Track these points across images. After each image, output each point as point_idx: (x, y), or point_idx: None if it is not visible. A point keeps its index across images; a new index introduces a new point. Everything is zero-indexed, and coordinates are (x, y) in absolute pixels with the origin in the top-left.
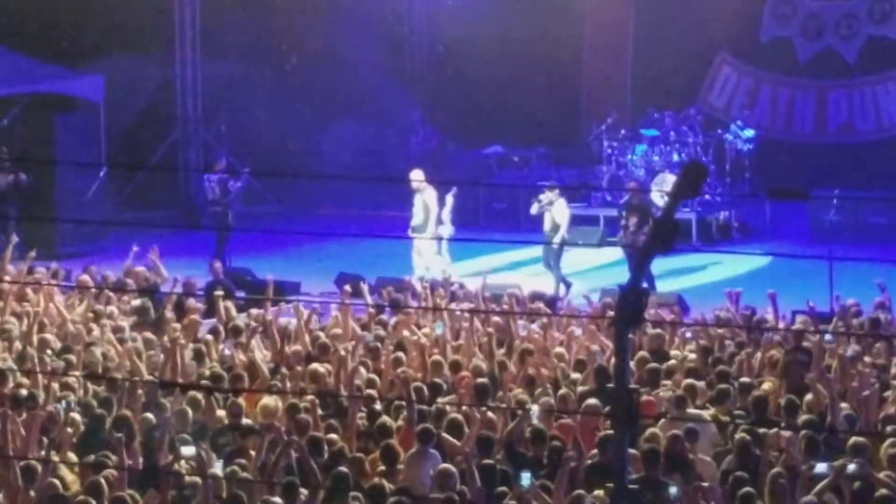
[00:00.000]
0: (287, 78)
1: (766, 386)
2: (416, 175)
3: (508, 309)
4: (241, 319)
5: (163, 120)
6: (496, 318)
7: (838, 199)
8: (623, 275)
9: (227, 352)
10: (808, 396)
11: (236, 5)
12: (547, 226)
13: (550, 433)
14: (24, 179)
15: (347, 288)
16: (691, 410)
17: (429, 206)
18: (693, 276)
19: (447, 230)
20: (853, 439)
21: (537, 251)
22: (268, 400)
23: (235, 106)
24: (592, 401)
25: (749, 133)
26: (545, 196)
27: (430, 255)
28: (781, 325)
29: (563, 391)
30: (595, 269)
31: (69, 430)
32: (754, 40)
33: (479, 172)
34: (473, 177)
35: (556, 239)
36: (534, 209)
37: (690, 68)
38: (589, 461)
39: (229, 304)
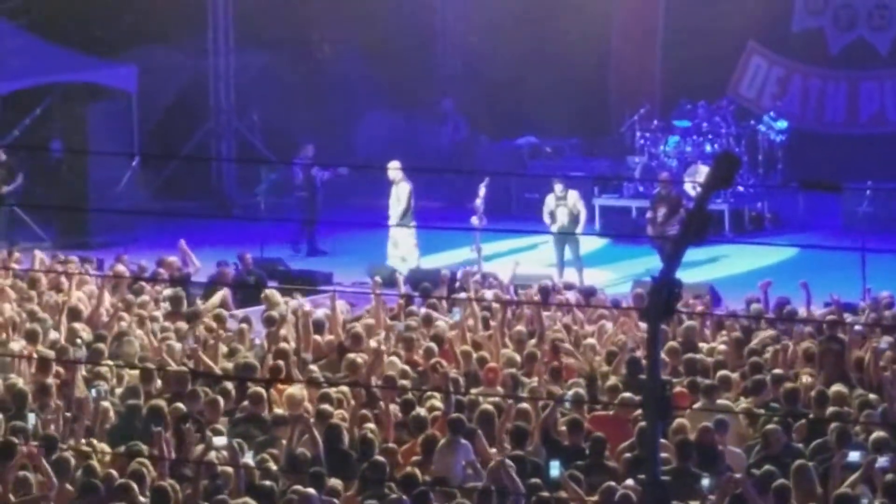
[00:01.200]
0: (319, 68)
1: (805, 379)
2: (394, 165)
3: (538, 300)
4: (276, 309)
5: (195, 110)
6: (526, 309)
7: (871, 190)
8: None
9: (257, 341)
10: (835, 388)
11: None
12: (564, 219)
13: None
14: (19, 183)
15: (378, 279)
16: (721, 401)
17: (401, 198)
18: (725, 267)
19: (480, 221)
20: (876, 434)
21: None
22: (293, 390)
23: (268, 96)
24: (626, 393)
25: (782, 124)
26: (553, 193)
27: (407, 247)
28: (814, 313)
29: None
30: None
31: (101, 417)
32: (785, 30)
33: (512, 163)
34: (506, 167)
35: (578, 230)
36: (546, 217)
37: (720, 58)
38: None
39: (273, 292)
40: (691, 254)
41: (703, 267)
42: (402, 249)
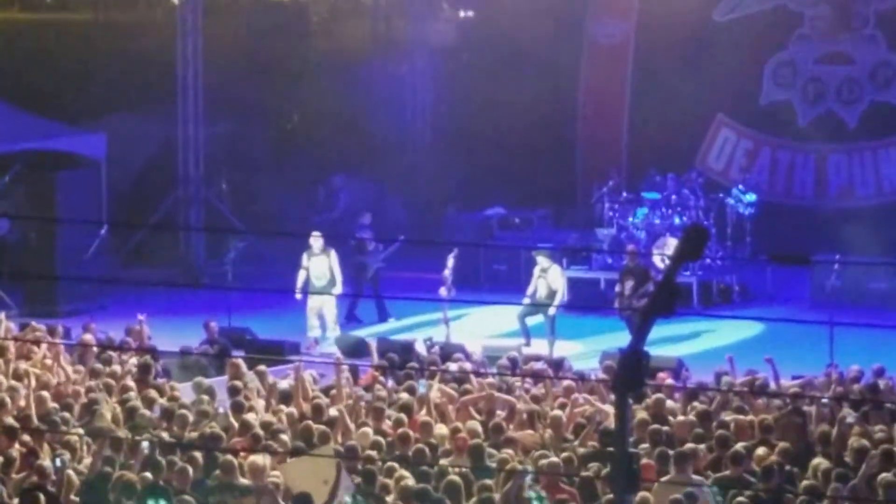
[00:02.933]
0: (288, 137)
1: (760, 451)
2: (317, 235)
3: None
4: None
5: (164, 178)
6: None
7: (839, 264)
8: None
9: (220, 410)
10: (816, 460)
11: (238, 65)
12: (542, 291)
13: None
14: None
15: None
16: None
17: (333, 268)
18: (693, 341)
19: (448, 291)
20: None
21: (539, 316)
22: (256, 458)
23: (237, 165)
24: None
25: (751, 197)
26: (538, 262)
27: (332, 317)
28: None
29: (564, 455)
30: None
31: (65, 487)
32: (754, 103)
33: (480, 234)
34: (474, 238)
35: (556, 303)
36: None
37: (689, 130)
38: None
39: (239, 361)
40: (659, 327)
41: (671, 342)
42: (329, 319)
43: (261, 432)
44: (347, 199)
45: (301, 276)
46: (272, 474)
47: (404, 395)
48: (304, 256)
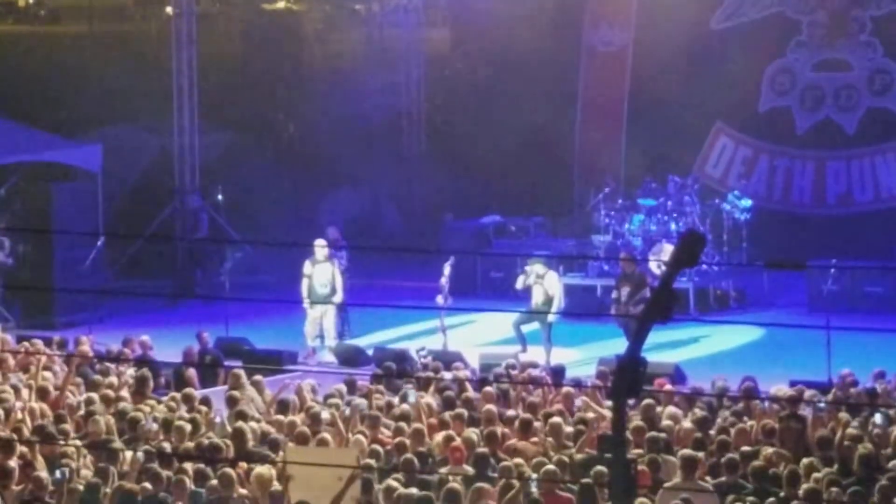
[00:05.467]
0: (284, 147)
1: (763, 455)
2: (321, 244)
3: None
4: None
5: (160, 189)
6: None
7: (835, 268)
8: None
9: (217, 420)
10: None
11: (233, 75)
12: (539, 298)
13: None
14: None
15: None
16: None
17: (336, 277)
18: (690, 347)
19: (445, 300)
20: None
21: (535, 323)
22: (262, 469)
23: (233, 175)
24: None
25: (746, 203)
26: (532, 268)
27: (331, 327)
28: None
29: (562, 459)
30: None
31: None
32: (752, 110)
33: (477, 242)
34: (471, 246)
35: (554, 310)
36: (519, 283)
37: (686, 137)
38: None
39: (240, 372)
40: (656, 333)
41: (668, 348)
42: (328, 327)
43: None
44: (205, 217)
45: (304, 285)
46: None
47: (403, 405)
48: (307, 264)
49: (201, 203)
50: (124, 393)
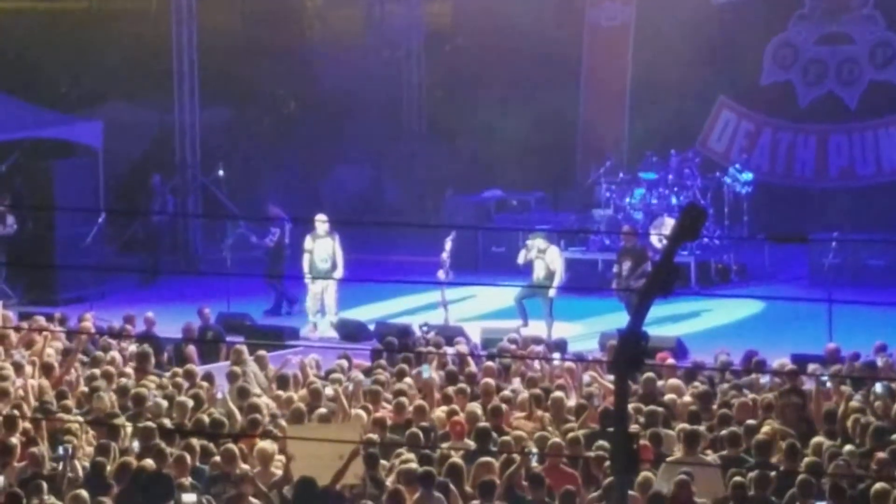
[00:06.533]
0: (284, 123)
1: (766, 429)
2: (322, 219)
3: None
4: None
5: (161, 165)
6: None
7: (837, 241)
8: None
9: (219, 395)
10: (815, 439)
11: (233, 51)
12: (540, 273)
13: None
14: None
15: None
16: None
17: (336, 252)
18: (692, 321)
19: (446, 275)
20: None
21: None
22: (265, 445)
23: (233, 151)
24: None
25: (747, 176)
26: (534, 243)
27: (332, 302)
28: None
29: (566, 434)
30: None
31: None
32: (755, 84)
33: (478, 216)
34: (472, 221)
35: (555, 284)
36: (521, 258)
37: (689, 112)
38: None
39: (242, 348)
40: (658, 307)
41: (670, 322)
42: (329, 303)
43: (265, 417)
44: (172, 200)
45: (305, 260)
46: (277, 460)
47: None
48: (308, 239)
49: (159, 180)
50: (128, 369)
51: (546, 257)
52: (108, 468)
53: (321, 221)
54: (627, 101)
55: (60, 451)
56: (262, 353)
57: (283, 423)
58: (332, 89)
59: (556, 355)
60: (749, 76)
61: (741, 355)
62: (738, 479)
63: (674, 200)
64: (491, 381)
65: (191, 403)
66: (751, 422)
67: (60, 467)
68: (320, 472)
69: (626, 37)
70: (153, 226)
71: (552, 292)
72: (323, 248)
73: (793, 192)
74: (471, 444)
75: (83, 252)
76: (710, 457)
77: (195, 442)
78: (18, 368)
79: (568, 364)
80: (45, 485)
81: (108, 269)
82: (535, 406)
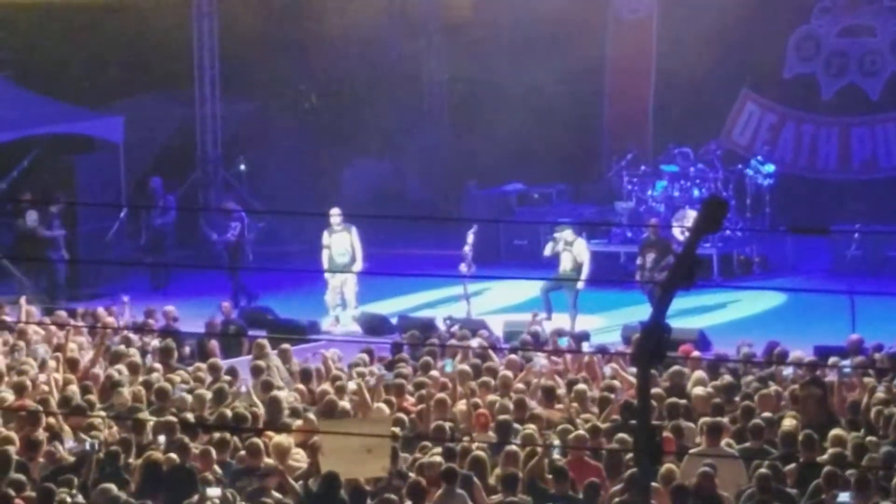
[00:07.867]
0: (306, 117)
1: (787, 422)
2: (336, 212)
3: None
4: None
5: (182, 160)
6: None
7: (859, 233)
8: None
9: (242, 389)
10: (835, 431)
11: (256, 45)
12: (567, 265)
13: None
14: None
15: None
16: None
17: (354, 245)
18: (714, 313)
19: (468, 268)
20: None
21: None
22: (281, 439)
23: (255, 145)
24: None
25: (769, 168)
26: (561, 235)
27: (352, 295)
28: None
29: (588, 426)
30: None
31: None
32: (777, 77)
33: (500, 210)
34: (493, 214)
35: (583, 277)
36: (548, 250)
37: (713, 105)
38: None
39: (264, 342)
40: (680, 299)
41: (692, 314)
42: (349, 297)
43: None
44: (173, 199)
45: (325, 255)
46: (295, 454)
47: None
48: (325, 234)
49: (160, 183)
50: (156, 364)
51: (573, 249)
52: (131, 462)
53: (335, 215)
54: (651, 93)
55: (87, 446)
56: (286, 346)
57: (310, 416)
58: (353, 81)
59: (585, 345)
60: (772, 69)
61: (764, 347)
62: (762, 471)
63: (695, 192)
64: (510, 373)
65: (213, 397)
66: (768, 414)
67: (86, 462)
68: (348, 467)
69: (650, 29)
70: (156, 230)
71: (580, 284)
72: (340, 242)
73: (815, 183)
74: (493, 436)
75: (105, 247)
76: (734, 449)
77: (226, 436)
78: (42, 364)
79: (590, 357)
80: (74, 480)
81: (127, 263)
82: (559, 398)
